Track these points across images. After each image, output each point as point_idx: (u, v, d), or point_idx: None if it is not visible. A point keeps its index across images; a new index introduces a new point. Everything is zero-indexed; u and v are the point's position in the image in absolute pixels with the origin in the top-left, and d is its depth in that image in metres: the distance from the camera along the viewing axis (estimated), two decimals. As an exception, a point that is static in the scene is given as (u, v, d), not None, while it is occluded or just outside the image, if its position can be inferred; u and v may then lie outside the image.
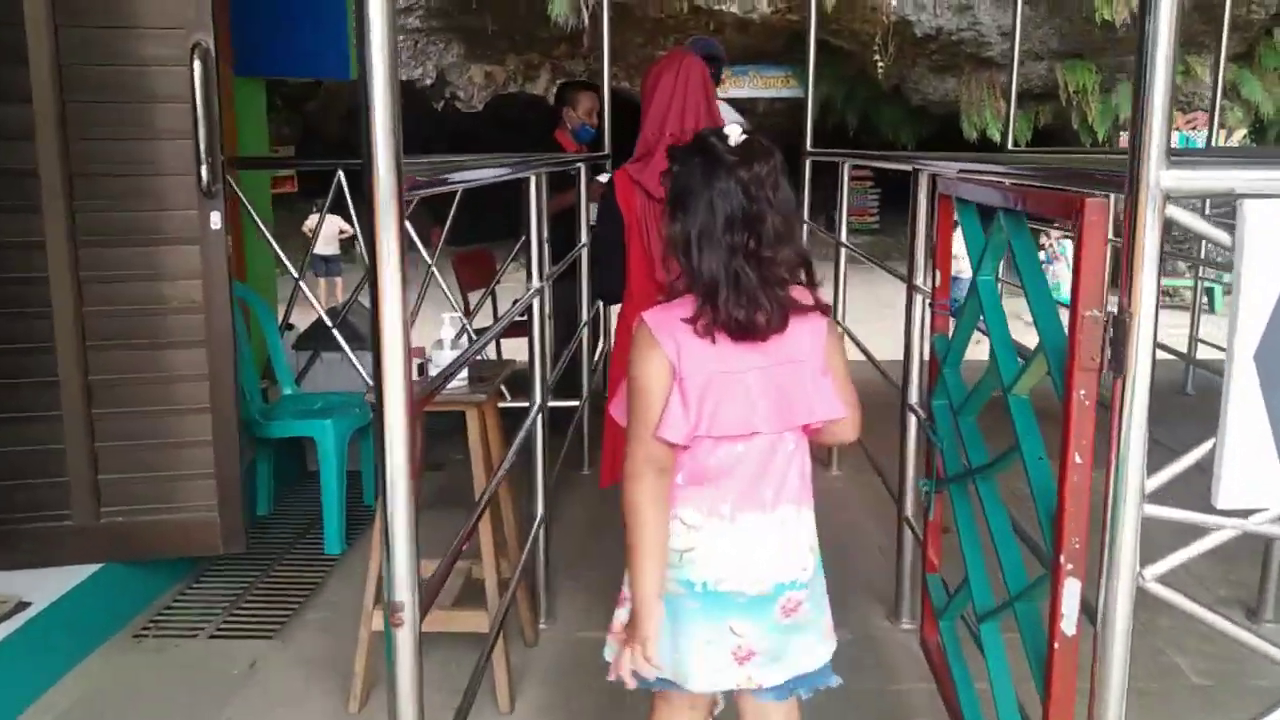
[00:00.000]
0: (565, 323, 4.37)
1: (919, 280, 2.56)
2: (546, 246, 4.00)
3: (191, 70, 2.40)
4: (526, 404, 2.62)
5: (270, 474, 3.65)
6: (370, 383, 3.62)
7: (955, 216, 2.15)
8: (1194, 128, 12.53)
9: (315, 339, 4.03)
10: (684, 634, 1.52)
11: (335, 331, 3.92)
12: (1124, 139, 12.07)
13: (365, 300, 3.84)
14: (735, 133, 1.47)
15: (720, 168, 1.44)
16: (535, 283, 2.56)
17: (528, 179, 2.51)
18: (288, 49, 4.53)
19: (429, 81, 14.06)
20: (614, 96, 4.60)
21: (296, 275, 3.95)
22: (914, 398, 2.59)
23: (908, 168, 2.57)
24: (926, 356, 2.58)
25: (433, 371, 2.27)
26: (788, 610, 1.53)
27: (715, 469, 1.49)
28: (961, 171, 2.07)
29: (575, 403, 3.98)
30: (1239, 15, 11.97)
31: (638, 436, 1.48)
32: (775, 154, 1.47)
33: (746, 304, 1.42)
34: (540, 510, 2.62)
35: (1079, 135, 13.04)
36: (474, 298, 5.16)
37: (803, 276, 1.50)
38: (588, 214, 3.90)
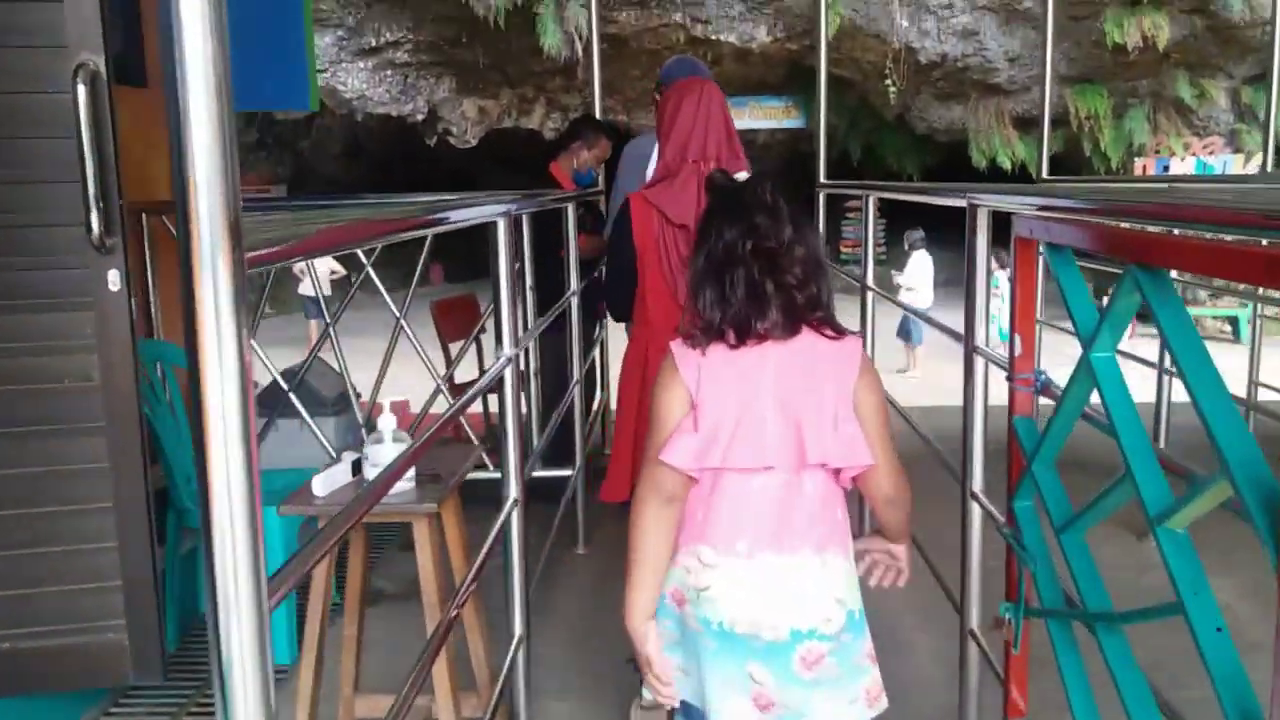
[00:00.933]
0: (555, 378, 3.90)
1: (979, 339, 2.09)
2: (530, 295, 3.55)
3: (75, 96, 1.94)
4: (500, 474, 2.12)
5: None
6: (331, 453, 3.06)
7: (1039, 265, 1.68)
8: (1211, 153, 12.13)
9: (269, 403, 3.55)
10: (706, 669, 1.50)
11: (292, 395, 3.45)
12: (1139, 165, 11.70)
13: (328, 357, 3.31)
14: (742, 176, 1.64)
15: (724, 195, 1.55)
16: (506, 349, 2.08)
17: (494, 223, 2.04)
18: (239, 78, 4.07)
19: (420, 117, 13.67)
20: (610, 129, 4.16)
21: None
22: (977, 484, 2.11)
23: (960, 202, 2.10)
24: (981, 407, 2.11)
25: (369, 471, 1.78)
26: (809, 663, 1.47)
27: (732, 504, 1.47)
28: (1045, 209, 1.60)
29: (568, 472, 3.49)
30: (1253, 37, 11.59)
31: (649, 462, 1.50)
32: (777, 187, 1.52)
33: (743, 305, 1.45)
34: (518, 629, 2.13)
35: (1091, 162, 12.61)
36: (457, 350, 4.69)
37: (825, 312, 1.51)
38: (578, 255, 3.45)
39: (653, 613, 1.52)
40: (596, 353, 4.39)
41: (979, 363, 2.08)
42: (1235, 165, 11.96)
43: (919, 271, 9.46)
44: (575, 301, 3.42)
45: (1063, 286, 1.45)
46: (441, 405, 3.82)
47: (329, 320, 3.44)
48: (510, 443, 2.08)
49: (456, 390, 4.37)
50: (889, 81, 11.71)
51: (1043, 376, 1.70)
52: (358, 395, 3.63)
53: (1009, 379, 1.74)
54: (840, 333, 1.50)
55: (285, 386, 3.44)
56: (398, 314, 3.42)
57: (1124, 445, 1.24)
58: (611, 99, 13.24)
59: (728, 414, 1.44)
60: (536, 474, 3.42)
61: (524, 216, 3.29)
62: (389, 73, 13.10)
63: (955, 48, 12.09)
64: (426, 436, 1.68)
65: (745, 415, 1.44)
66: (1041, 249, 1.62)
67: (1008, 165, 12.66)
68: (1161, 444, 4.21)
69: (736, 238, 1.47)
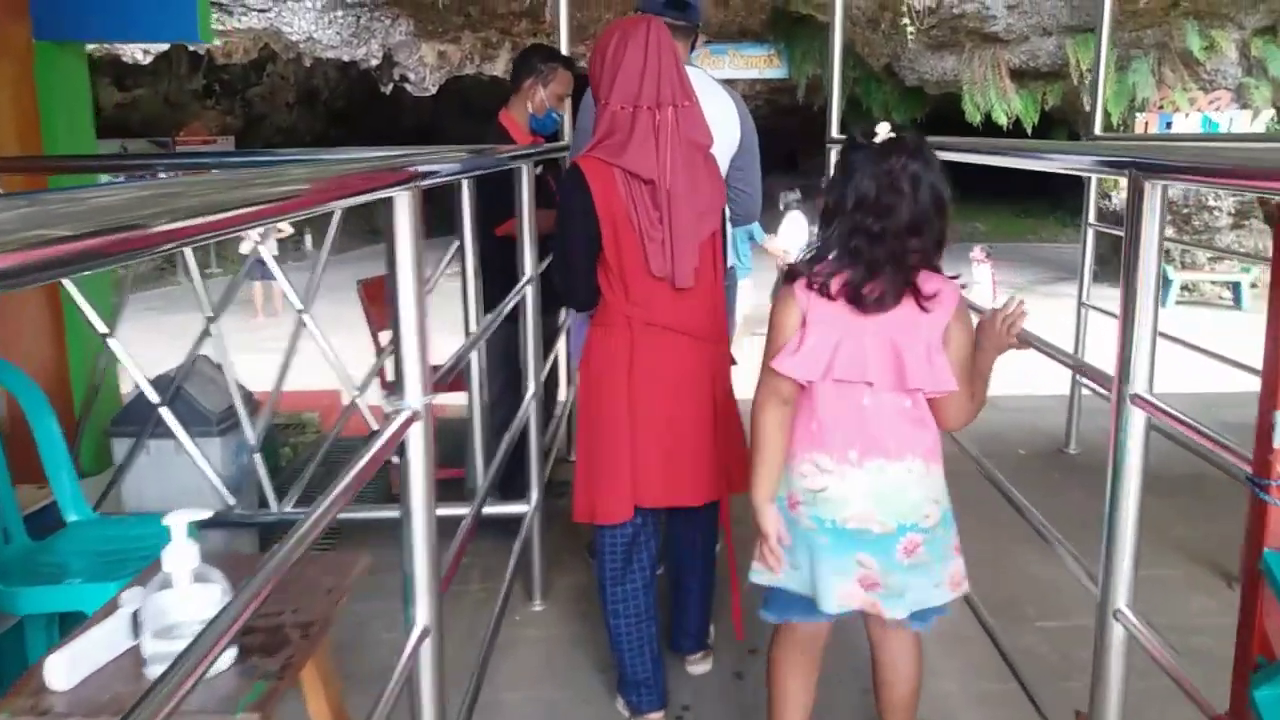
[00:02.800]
0: (507, 382, 3.14)
1: (1141, 383, 1.35)
2: (474, 282, 2.78)
3: None
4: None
5: (50, 642, 2.38)
6: (216, 483, 2.19)
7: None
8: (1218, 109, 11.45)
9: (139, 418, 2.77)
10: (818, 562, 1.68)
11: (164, 410, 2.68)
12: (1140, 122, 10.98)
13: (212, 353, 2.51)
14: (884, 130, 1.62)
15: (861, 155, 1.61)
16: (409, 396, 1.32)
17: (390, 199, 1.26)
18: (115, 6, 3.26)
19: (374, 62, 12.69)
20: (567, 61, 3.36)
21: (105, 330, 2.69)
22: (1123, 598, 1.38)
23: (1117, 170, 1.36)
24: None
25: (150, 644, 1.02)
26: (908, 550, 1.65)
27: (845, 417, 1.64)
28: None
29: (524, 508, 2.75)
30: (1265, -16, 10.87)
31: (767, 370, 1.68)
32: (920, 150, 1.61)
33: (859, 277, 1.60)
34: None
35: (1089, 118, 11.89)
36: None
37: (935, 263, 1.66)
38: (534, 228, 2.68)
39: (774, 495, 1.69)
40: (561, 345, 3.63)
41: (1137, 418, 1.35)
42: (1242, 121, 11.31)
43: (794, 233, 8.54)
44: (530, 291, 2.65)
45: None
46: (366, 411, 3.04)
47: (210, 315, 2.65)
48: (417, 548, 1.33)
49: (388, 388, 3.61)
50: (905, 21, 10.87)
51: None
52: (253, 404, 2.85)
53: (1252, 480, 1.02)
54: (945, 280, 1.64)
55: (157, 399, 2.66)
56: (299, 306, 2.63)
57: None
58: (582, 43, 12.33)
59: (830, 337, 1.61)
60: (485, 511, 2.68)
61: (464, 183, 2.52)
62: (339, 13, 12.08)
63: (950, -7, 11.27)
64: (254, 588, 0.92)
65: (847, 338, 1.61)
66: None
67: (1003, 120, 11.93)
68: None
69: (861, 207, 1.58)
